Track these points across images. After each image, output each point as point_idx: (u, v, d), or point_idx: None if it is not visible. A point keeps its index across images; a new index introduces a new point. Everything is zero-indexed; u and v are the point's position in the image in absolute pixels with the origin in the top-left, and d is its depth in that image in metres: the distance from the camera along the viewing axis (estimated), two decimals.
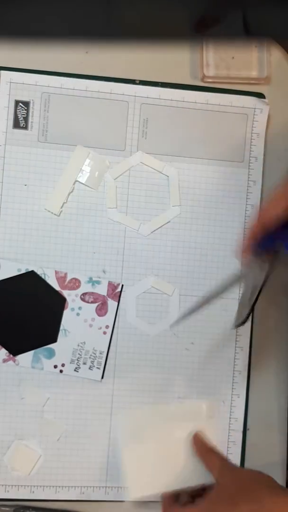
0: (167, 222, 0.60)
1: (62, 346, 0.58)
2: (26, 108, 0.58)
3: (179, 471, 0.56)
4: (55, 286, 0.58)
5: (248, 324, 0.61)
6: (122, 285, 0.59)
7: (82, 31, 0.58)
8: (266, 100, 0.61)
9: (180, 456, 0.57)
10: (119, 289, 0.59)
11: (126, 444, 0.57)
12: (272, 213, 0.45)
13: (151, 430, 0.57)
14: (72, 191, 0.59)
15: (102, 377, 0.59)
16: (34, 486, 0.58)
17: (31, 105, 0.58)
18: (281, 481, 0.62)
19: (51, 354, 0.58)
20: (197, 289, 0.60)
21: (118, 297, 0.59)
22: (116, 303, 0.59)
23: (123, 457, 0.57)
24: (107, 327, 0.59)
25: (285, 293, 0.63)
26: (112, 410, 0.59)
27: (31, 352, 0.58)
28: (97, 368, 0.59)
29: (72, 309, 0.58)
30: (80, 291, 0.58)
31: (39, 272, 0.58)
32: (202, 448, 0.56)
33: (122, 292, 0.59)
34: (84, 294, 0.58)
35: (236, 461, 0.61)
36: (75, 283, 0.58)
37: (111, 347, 0.59)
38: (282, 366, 0.62)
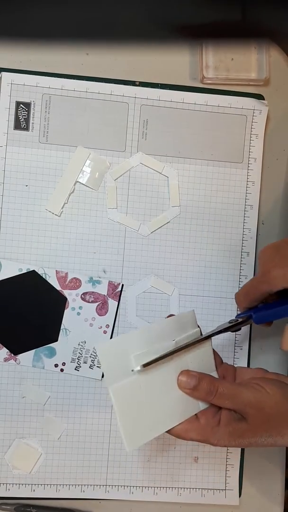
0: (167, 222, 0.60)
1: (63, 345, 0.58)
2: (27, 109, 0.58)
3: (176, 401, 0.48)
4: (56, 285, 0.58)
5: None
6: (122, 285, 0.60)
7: (82, 33, 0.59)
8: (265, 101, 0.61)
9: (174, 382, 0.48)
10: (119, 289, 0.60)
11: (112, 382, 0.45)
12: (243, 304, 0.55)
13: (137, 359, 0.46)
14: (72, 192, 0.59)
15: (103, 376, 0.59)
16: (35, 484, 0.58)
17: (32, 106, 0.58)
18: (280, 481, 0.63)
19: (52, 353, 0.58)
20: (197, 289, 0.61)
21: (118, 297, 0.60)
22: (116, 303, 0.59)
23: (112, 400, 0.45)
24: (107, 326, 0.59)
25: None
26: (112, 409, 0.59)
27: (32, 351, 0.58)
28: (98, 367, 0.59)
29: (73, 309, 0.59)
30: (81, 290, 0.59)
31: (40, 272, 0.58)
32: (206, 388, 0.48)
33: (122, 292, 0.60)
34: (84, 293, 0.59)
35: (235, 461, 0.61)
36: (75, 283, 0.59)
37: None
38: (282, 365, 0.63)
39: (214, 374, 0.51)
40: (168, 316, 0.50)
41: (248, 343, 0.62)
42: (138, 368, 0.46)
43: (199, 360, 0.50)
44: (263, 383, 0.48)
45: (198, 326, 0.51)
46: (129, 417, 0.46)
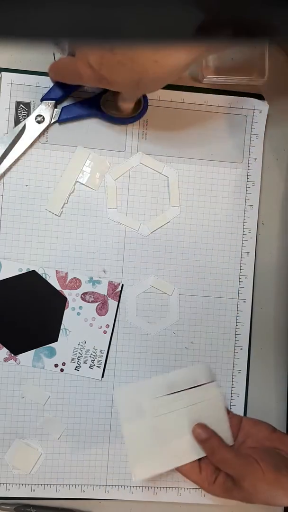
0: (167, 222, 0.60)
1: (63, 345, 0.58)
2: (27, 109, 0.58)
3: (186, 444, 0.55)
4: (56, 285, 0.58)
5: (247, 323, 0.62)
6: (122, 285, 0.60)
7: (82, 33, 0.59)
8: (265, 101, 0.61)
9: (185, 427, 0.55)
10: (119, 289, 0.60)
11: (126, 421, 0.55)
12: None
13: (150, 403, 0.55)
14: (72, 192, 0.59)
15: (103, 376, 0.59)
16: (34, 484, 0.58)
17: (32, 106, 0.58)
18: None
19: (52, 353, 0.58)
20: (197, 288, 0.61)
21: (118, 297, 0.60)
22: (116, 303, 0.59)
23: (124, 435, 0.55)
24: (107, 326, 0.59)
25: (284, 292, 0.63)
26: (112, 409, 0.59)
27: (32, 351, 0.58)
28: (98, 367, 0.59)
29: (73, 309, 0.59)
30: (81, 290, 0.59)
31: (40, 272, 0.58)
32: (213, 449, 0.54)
33: (122, 292, 0.60)
34: (84, 293, 0.59)
35: None
36: (75, 283, 0.59)
37: (111, 346, 0.59)
38: (282, 365, 0.63)
39: (225, 423, 0.57)
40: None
41: (248, 343, 0.62)
42: (150, 413, 0.54)
43: (210, 410, 0.56)
44: (260, 459, 0.52)
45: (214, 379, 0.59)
46: (138, 453, 0.54)
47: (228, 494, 0.53)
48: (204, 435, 0.54)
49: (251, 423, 0.57)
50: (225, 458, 0.52)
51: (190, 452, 0.54)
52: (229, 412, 0.58)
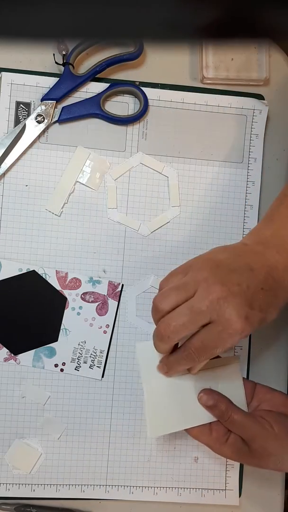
0: (167, 222, 0.60)
1: (63, 345, 0.58)
2: (27, 109, 0.58)
3: (201, 407, 0.54)
4: (56, 285, 0.58)
5: None
6: (122, 285, 0.60)
7: (82, 33, 0.59)
8: (265, 101, 0.61)
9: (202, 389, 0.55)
10: (119, 289, 0.60)
11: (146, 377, 0.54)
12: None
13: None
14: (72, 192, 0.59)
15: (103, 376, 0.59)
16: (35, 484, 0.58)
17: (32, 106, 0.58)
18: (280, 481, 0.63)
19: (52, 353, 0.58)
20: None
21: (118, 297, 0.60)
22: (116, 303, 0.59)
23: (144, 391, 0.54)
24: (107, 326, 0.59)
25: None
26: (113, 409, 0.59)
27: (32, 351, 0.58)
28: (98, 367, 0.59)
29: (73, 309, 0.59)
30: (81, 290, 0.59)
31: (40, 272, 0.58)
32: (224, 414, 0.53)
33: (122, 292, 0.60)
34: (84, 293, 0.59)
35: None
36: (75, 283, 0.59)
37: (111, 346, 0.59)
38: (282, 364, 0.63)
39: (241, 389, 0.56)
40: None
41: (248, 343, 0.62)
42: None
43: (227, 377, 0.56)
44: (274, 422, 0.52)
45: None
46: (155, 410, 0.54)
47: (239, 456, 0.52)
48: (211, 401, 0.52)
49: (265, 390, 0.56)
50: (235, 419, 0.51)
51: (205, 414, 0.54)
52: (243, 379, 0.57)
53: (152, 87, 0.60)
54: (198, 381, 0.54)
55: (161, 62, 0.61)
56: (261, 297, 0.47)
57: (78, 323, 0.59)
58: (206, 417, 0.53)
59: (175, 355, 0.50)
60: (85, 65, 0.59)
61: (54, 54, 0.58)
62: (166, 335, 0.47)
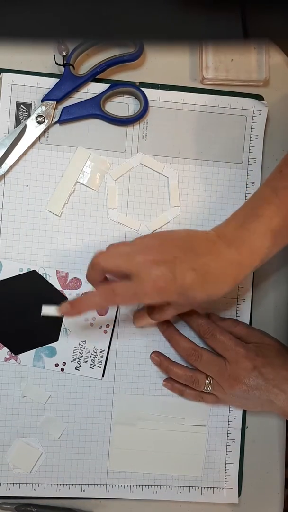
0: (167, 223, 0.61)
1: (63, 345, 0.59)
2: (27, 110, 0.58)
3: (164, 459, 0.60)
4: (56, 285, 0.59)
5: (247, 322, 0.62)
6: None
7: (82, 34, 0.59)
8: (265, 102, 0.62)
9: (170, 447, 0.60)
10: None
11: (117, 423, 0.59)
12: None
13: (145, 418, 0.60)
14: (73, 192, 0.59)
15: (103, 376, 0.59)
16: (35, 484, 0.59)
17: (32, 107, 0.58)
18: (280, 479, 0.63)
19: (52, 353, 0.59)
20: None
21: None
22: None
23: (112, 433, 0.59)
24: (107, 326, 0.60)
25: (283, 291, 0.63)
26: (113, 409, 0.60)
27: (32, 351, 0.58)
28: (98, 366, 0.59)
29: None
30: (81, 290, 0.59)
31: (40, 272, 0.58)
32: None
33: None
34: (85, 293, 0.59)
35: (235, 459, 0.62)
36: (76, 283, 0.59)
37: (111, 346, 0.59)
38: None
39: (201, 458, 0.61)
40: None
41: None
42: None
43: (191, 444, 0.61)
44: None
45: None
46: (119, 449, 0.60)
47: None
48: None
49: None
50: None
51: (165, 467, 0.60)
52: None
53: (152, 87, 0.60)
54: (163, 438, 0.60)
55: (161, 63, 0.61)
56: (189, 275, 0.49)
57: (78, 323, 0.59)
58: (164, 469, 0.60)
59: (93, 291, 0.54)
60: (85, 66, 0.60)
61: (54, 55, 0.58)
62: (97, 262, 0.51)
